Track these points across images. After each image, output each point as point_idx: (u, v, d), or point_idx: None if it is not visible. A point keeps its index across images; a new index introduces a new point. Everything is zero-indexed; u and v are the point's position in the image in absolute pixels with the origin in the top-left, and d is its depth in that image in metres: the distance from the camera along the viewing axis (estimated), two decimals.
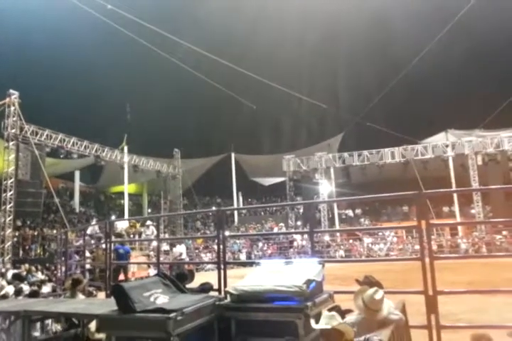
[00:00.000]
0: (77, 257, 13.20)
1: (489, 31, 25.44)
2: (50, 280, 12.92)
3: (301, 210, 28.84)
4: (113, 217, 25.26)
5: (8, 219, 17.23)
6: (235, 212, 32.97)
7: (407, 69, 24.44)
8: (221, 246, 5.47)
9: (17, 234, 18.70)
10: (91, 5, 19.67)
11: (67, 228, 16.81)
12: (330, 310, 3.14)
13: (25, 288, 9.78)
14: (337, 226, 27.15)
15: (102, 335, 3.58)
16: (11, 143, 17.83)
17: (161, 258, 12.25)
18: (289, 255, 20.51)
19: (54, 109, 25.76)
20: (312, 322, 2.87)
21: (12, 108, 17.95)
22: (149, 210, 32.46)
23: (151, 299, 2.92)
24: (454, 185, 24.87)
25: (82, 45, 26.61)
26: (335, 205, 28.39)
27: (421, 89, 28.83)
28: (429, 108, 28.48)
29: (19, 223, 19.82)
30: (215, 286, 4.92)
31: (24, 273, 13.54)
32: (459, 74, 27.79)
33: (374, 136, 26.99)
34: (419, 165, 25.34)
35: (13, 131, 17.89)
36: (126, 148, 25.33)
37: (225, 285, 4.98)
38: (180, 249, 20.51)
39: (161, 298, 2.99)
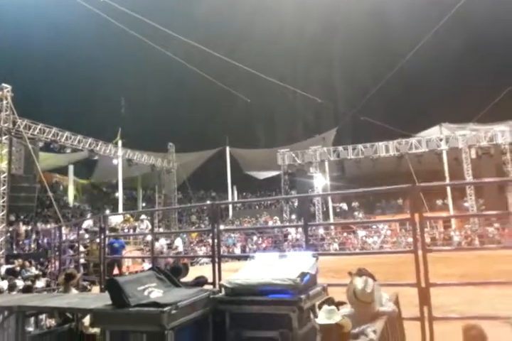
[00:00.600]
0: (71, 252, 13.18)
1: (485, 24, 25.48)
2: (43, 275, 12.89)
3: (296, 204, 28.92)
4: (107, 211, 25.20)
5: (1, 214, 17.14)
6: (230, 206, 33.00)
7: (402, 63, 24.42)
8: (216, 240, 5.48)
9: (10, 229, 18.61)
10: None
11: (61, 223, 16.75)
12: (324, 302, 3.16)
13: (19, 283, 9.76)
14: (331, 220, 27.27)
15: (96, 329, 3.59)
16: (3, 138, 17.70)
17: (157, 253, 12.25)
18: (284, 248, 20.60)
19: (47, 103, 25.59)
20: (314, 317, 2.88)
21: (4, 102, 17.79)
22: (144, 204, 32.41)
23: (145, 293, 2.92)
24: (447, 178, 25.05)
25: (76, 39, 26.38)
26: (329, 198, 28.48)
27: (416, 82, 28.86)
28: (424, 101, 28.55)
29: (12, 218, 19.73)
30: (210, 280, 4.93)
31: (18, 268, 13.50)
32: (454, 67, 27.84)
33: (368, 130, 27.05)
34: (413, 159, 25.43)
35: (6, 125, 17.75)
36: (120, 142, 25.21)
37: (220, 279, 4.99)
38: (177, 243, 20.65)
39: (156, 292, 2.99)
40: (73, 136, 21.67)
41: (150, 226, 13.79)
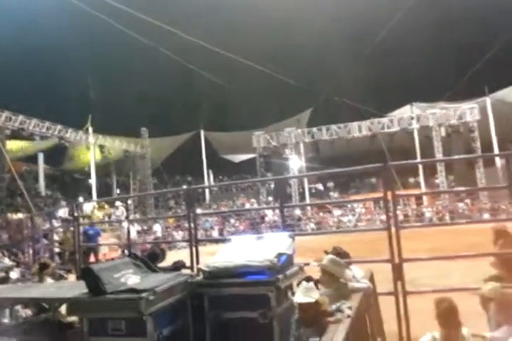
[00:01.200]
0: (45, 241, 12.92)
1: (453, 2, 25.74)
2: (18, 266, 12.63)
3: (272, 186, 29.08)
4: (81, 199, 24.72)
5: None
6: (207, 190, 32.85)
7: (374, 44, 24.50)
8: (192, 224, 5.48)
9: None
10: None
11: (33, 212, 16.34)
12: (303, 281, 3.20)
13: None
14: (307, 200, 27.59)
15: (73, 318, 3.55)
16: None
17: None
18: (261, 230, 20.78)
19: (13, 89, 24.53)
20: (292, 296, 2.91)
21: None
22: (118, 191, 31.93)
23: (122, 280, 2.90)
24: (419, 156, 25.62)
25: (42, 23, 25.22)
26: (305, 180, 28.74)
27: (387, 63, 29.06)
28: (395, 81, 28.82)
29: None
30: (188, 264, 4.94)
31: None
32: (424, 47, 28.15)
33: (342, 111, 27.22)
34: (385, 138, 25.85)
35: None
36: (91, 129, 24.59)
37: (198, 263, 5.00)
38: (155, 228, 20.59)
39: (133, 279, 2.98)
40: (41, 123, 20.99)
41: (125, 213, 13.64)
